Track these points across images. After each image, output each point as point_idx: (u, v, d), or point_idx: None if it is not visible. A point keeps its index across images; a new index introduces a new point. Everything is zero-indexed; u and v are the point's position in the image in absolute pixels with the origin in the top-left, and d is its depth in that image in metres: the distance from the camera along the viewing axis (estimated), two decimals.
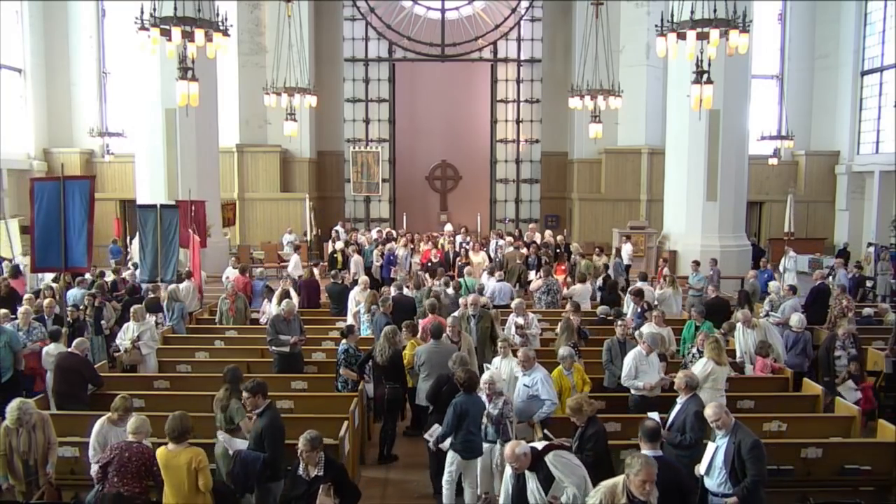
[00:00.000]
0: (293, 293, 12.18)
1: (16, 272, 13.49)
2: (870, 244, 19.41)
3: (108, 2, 22.78)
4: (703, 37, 11.90)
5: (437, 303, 9.95)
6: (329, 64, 24.30)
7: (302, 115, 21.38)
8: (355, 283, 12.50)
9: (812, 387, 8.67)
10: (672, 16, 12.25)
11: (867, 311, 12.42)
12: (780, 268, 16.24)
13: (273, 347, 9.31)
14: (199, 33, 11.99)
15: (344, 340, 8.58)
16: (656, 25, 12.44)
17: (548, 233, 18.95)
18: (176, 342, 11.01)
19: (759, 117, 22.17)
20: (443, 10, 24.33)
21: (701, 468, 5.63)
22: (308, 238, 20.97)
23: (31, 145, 22.01)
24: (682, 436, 6.12)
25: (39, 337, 9.27)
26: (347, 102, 24.64)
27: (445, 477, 6.61)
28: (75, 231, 9.50)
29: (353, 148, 24.49)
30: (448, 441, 6.55)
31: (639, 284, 12.15)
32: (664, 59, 15.20)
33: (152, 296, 11.83)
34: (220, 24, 12.44)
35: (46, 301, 10.47)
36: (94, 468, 5.76)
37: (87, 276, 12.39)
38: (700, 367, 7.50)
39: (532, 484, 4.97)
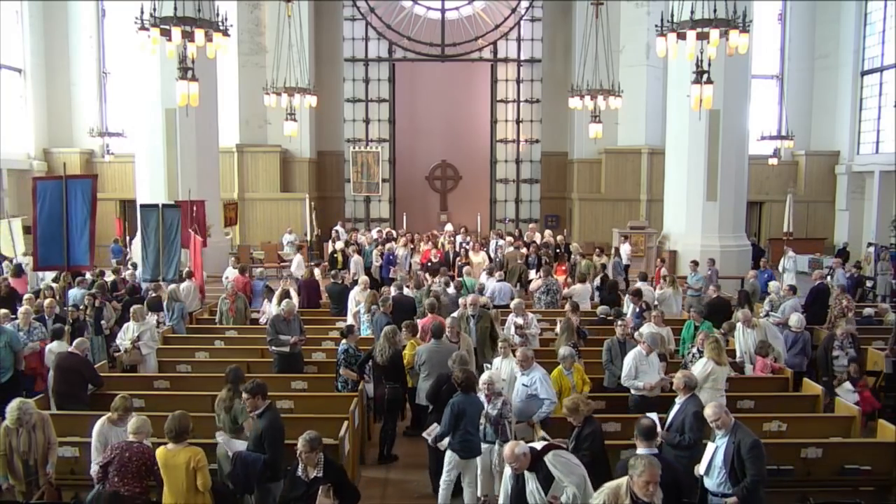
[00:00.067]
0: (293, 293, 12.19)
1: (18, 271, 13.53)
2: (870, 244, 19.42)
3: (108, 2, 22.78)
4: (703, 37, 11.90)
5: (437, 302, 9.96)
6: (329, 64, 24.29)
7: (302, 115, 21.38)
8: (355, 283, 12.50)
9: (812, 387, 8.67)
10: (672, 16, 12.25)
11: (867, 311, 12.43)
12: (780, 268, 16.25)
13: (273, 347, 9.31)
14: (199, 33, 11.98)
15: (344, 340, 8.58)
16: (656, 25, 12.44)
17: (548, 233, 18.95)
18: (176, 342, 11.01)
19: (759, 117, 22.16)
20: (443, 10, 24.33)
21: (700, 468, 5.63)
22: (309, 238, 20.96)
23: (31, 145, 22.03)
24: (681, 436, 6.11)
25: (40, 337, 9.28)
26: (347, 102, 24.64)
27: (444, 477, 6.61)
28: (77, 230, 9.57)
29: (353, 148, 24.49)
30: (446, 441, 6.55)
31: (638, 284, 12.17)
32: (664, 59, 15.20)
33: (154, 294, 11.84)
34: (220, 24, 12.43)
35: (47, 301, 10.46)
36: (94, 468, 5.76)
37: (88, 276, 12.41)
38: (700, 367, 7.50)
39: (532, 484, 4.97)
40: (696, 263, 14.14)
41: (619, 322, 8.78)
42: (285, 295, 11.29)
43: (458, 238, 18.18)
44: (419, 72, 25.08)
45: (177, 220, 13.20)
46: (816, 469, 6.75)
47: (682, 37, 12.01)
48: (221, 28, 12.41)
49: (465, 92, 25.21)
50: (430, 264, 15.51)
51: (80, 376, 7.99)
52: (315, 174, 24.22)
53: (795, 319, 9.92)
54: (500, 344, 8.15)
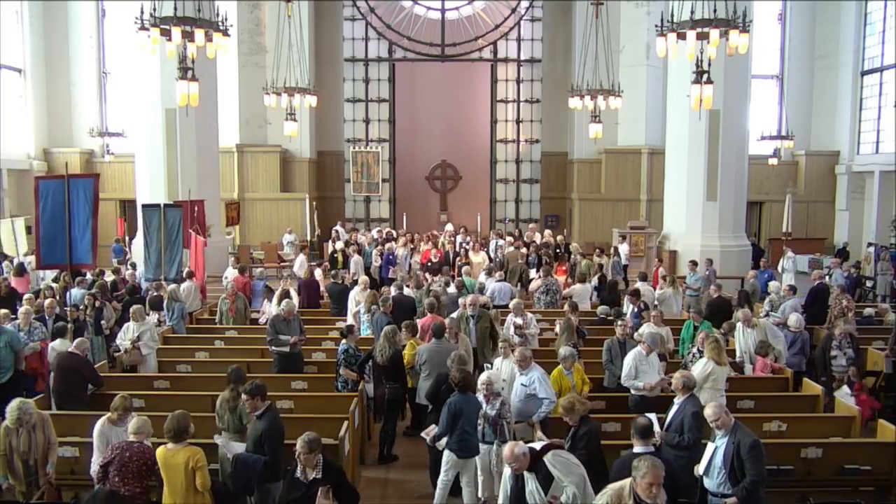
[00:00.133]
0: (293, 293, 12.19)
1: (21, 270, 13.56)
2: (870, 244, 19.43)
3: (108, 2, 22.79)
4: (703, 37, 11.90)
5: (437, 302, 9.96)
6: (329, 64, 24.30)
7: (302, 115, 21.38)
8: (355, 283, 12.50)
9: (812, 387, 8.67)
10: (672, 16, 12.25)
11: (868, 311, 12.43)
12: (779, 268, 16.25)
13: (273, 347, 9.31)
14: (199, 33, 11.99)
15: (344, 340, 8.58)
16: (656, 25, 12.44)
17: (548, 233, 18.95)
18: (176, 342, 11.01)
19: (759, 117, 22.17)
20: (443, 10, 24.33)
21: (700, 468, 5.63)
22: (309, 238, 20.96)
23: (31, 145, 22.03)
24: (680, 436, 6.11)
25: (40, 337, 9.29)
26: (347, 102, 24.64)
27: (441, 477, 6.62)
28: (80, 228, 9.61)
29: (353, 148, 24.49)
30: (444, 440, 6.55)
31: (638, 284, 12.17)
32: (664, 59, 15.20)
33: (155, 294, 11.84)
34: (220, 24, 12.44)
35: (47, 301, 10.47)
36: (95, 468, 5.77)
37: (88, 275, 12.41)
38: (700, 367, 7.51)
39: (531, 484, 4.96)
40: (694, 263, 14.14)
41: (619, 322, 8.78)
42: (285, 295, 11.29)
43: (458, 238, 18.18)
44: (419, 72, 25.07)
45: (178, 220, 13.22)
46: (816, 469, 6.75)
47: (682, 37, 12.01)
48: (221, 28, 12.41)
49: (465, 92, 25.21)
50: (430, 264, 15.52)
51: (80, 376, 7.99)
52: (315, 174, 24.22)
53: (794, 319, 9.92)
54: (500, 344, 8.15)
